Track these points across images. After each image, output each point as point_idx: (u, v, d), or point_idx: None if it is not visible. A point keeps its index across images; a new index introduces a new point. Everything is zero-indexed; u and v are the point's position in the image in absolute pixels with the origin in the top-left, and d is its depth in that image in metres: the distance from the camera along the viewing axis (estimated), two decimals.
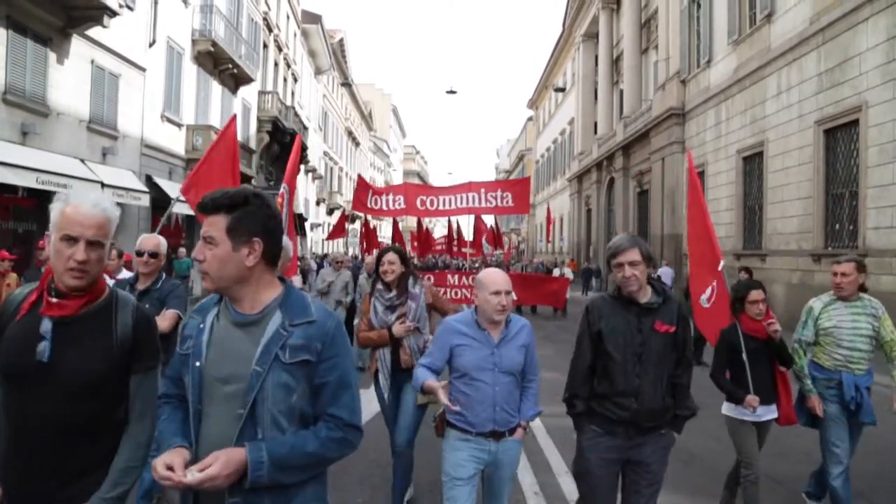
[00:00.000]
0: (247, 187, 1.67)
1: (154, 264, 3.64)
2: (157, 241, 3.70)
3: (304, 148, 30.06)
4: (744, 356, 3.64)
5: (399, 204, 15.89)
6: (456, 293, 15.45)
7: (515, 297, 15.65)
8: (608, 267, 2.81)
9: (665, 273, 22.27)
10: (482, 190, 15.77)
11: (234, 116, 5.78)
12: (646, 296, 2.76)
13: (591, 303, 2.87)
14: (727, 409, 3.79)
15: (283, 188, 5.36)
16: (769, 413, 3.73)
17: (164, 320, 3.39)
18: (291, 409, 1.60)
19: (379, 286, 3.85)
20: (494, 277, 2.81)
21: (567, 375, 2.90)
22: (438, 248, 25.66)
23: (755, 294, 3.72)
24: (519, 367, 2.85)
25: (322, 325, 1.64)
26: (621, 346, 2.70)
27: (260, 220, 1.64)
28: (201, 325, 1.67)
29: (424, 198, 15.99)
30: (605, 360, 2.75)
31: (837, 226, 12.16)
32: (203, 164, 5.31)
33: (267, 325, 1.61)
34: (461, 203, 15.71)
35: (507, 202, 15.47)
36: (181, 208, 15.55)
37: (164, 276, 3.74)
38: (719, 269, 4.30)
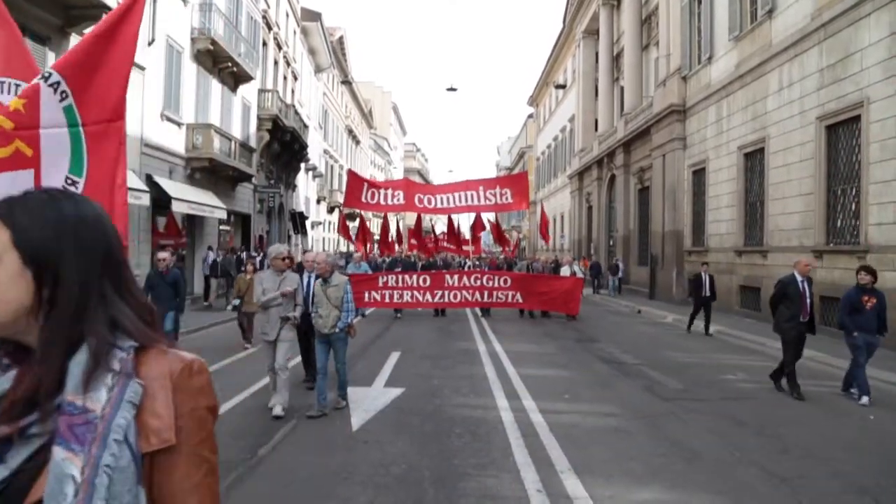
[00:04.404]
0: None
1: None
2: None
3: (294, 132, 29.74)
4: None
5: (398, 199, 15.68)
6: (455, 296, 15.23)
7: (521, 300, 14.78)
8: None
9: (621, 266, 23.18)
10: (481, 187, 15.62)
11: None
12: None
13: None
14: None
15: (47, 75, 2.52)
16: None
17: None
18: None
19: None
20: None
21: None
22: (430, 245, 25.59)
23: None
24: None
25: None
26: None
27: None
28: None
29: (422, 196, 15.84)
30: None
31: (839, 222, 12.14)
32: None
33: None
34: (460, 201, 15.60)
35: (506, 199, 15.39)
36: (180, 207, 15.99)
37: None
38: None
